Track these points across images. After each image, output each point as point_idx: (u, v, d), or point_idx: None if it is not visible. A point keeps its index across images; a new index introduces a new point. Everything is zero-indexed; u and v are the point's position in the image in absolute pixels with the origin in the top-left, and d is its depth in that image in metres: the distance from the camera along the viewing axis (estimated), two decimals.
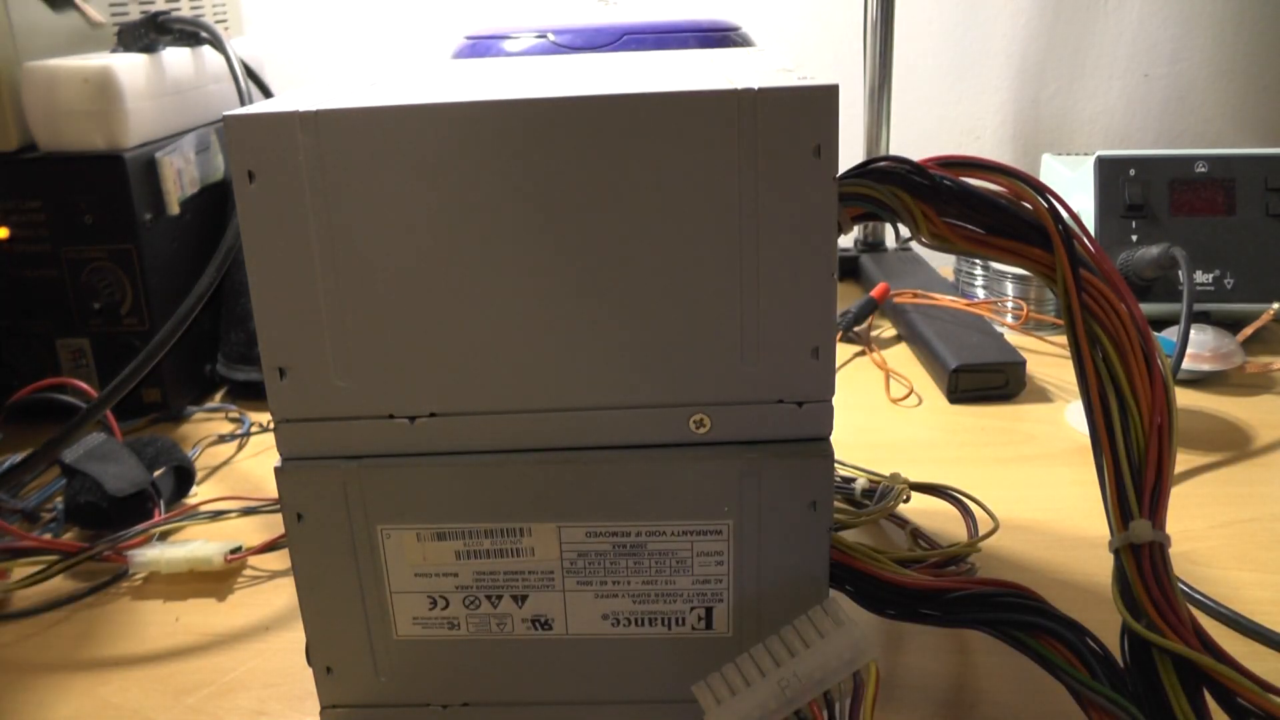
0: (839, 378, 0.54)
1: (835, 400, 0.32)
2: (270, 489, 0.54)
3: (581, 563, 0.34)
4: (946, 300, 0.72)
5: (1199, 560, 0.45)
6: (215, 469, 0.59)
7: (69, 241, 0.60)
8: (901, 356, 0.71)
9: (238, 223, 0.31)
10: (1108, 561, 0.33)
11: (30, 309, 0.62)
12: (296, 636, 0.42)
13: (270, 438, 0.61)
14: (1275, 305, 0.67)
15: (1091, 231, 0.59)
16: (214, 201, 0.68)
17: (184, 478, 0.55)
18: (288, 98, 0.32)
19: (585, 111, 0.29)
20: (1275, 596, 0.42)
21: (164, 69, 0.64)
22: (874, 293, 0.76)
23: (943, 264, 0.85)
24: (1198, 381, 0.64)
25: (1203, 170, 0.69)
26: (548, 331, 0.31)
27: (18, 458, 0.50)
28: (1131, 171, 0.70)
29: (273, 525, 0.52)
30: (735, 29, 0.72)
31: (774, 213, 0.30)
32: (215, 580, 0.47)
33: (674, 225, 0.30)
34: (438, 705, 0.36)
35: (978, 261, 0.78)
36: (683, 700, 0.33)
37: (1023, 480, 0.53)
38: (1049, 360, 0.69)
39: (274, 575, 0.48)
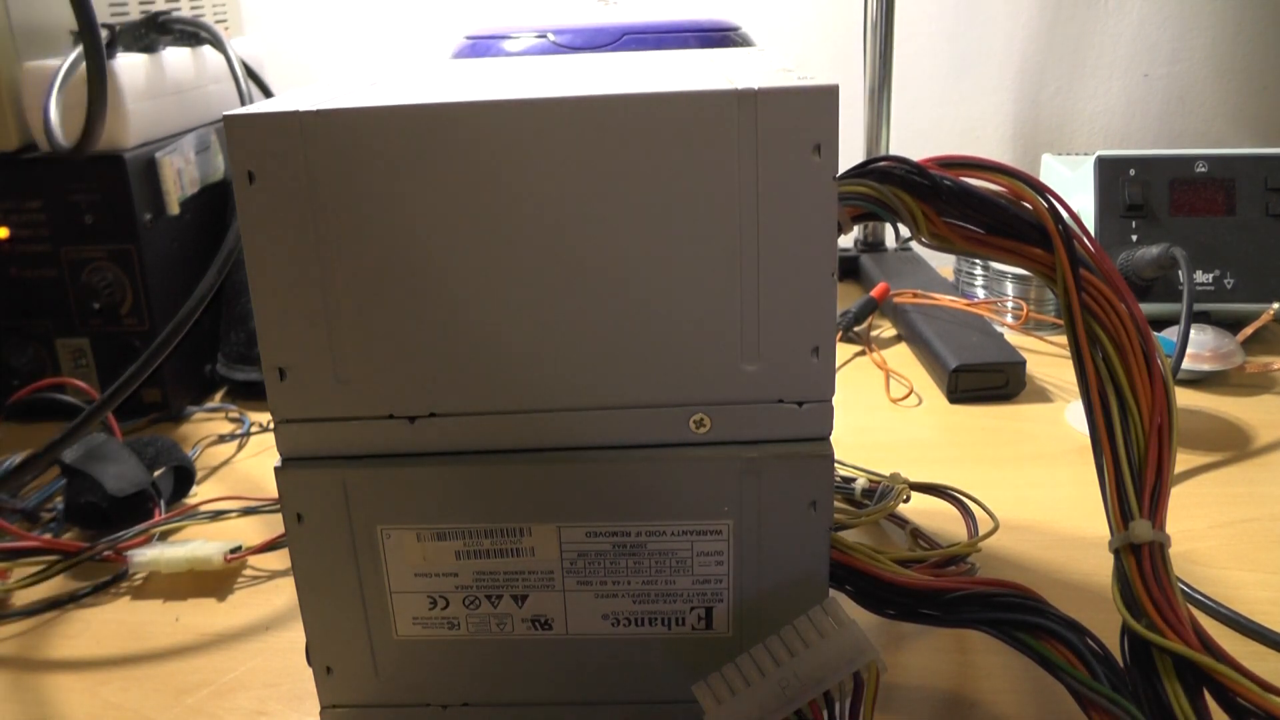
0: (839, 378, 0.54)
1: (835, 400, 0.32)
2: (270, 489, 0.54)
3: (581, 563, 0.34)
4: (946, 300, 0.72)
5: (1199, 560, 0.45)
6: (215, 469, 0.59)
7: (69, 241, 0.60)
8: (901, 356, 0.71)
9: (238, 224, 0.31)
10: (1108, 561, 0.33)
11: (30, 309, 0.62)
12: (296, 636, 0.42)
13: (270, 438, 0.61)
14: (1275, 305, 0.67)
15: (1091, 231, 0.59)
16: (214, 201, 0.68)
17: (184, 478, 0.55)
18: (288, 98, 0.32)
19: (585, 111, 0.29)
20: (1275, 596, 0.42)
21: (164, 69, 0.64)
22: (874, 293, 0.76)
23: (943, 264, 0.85)
24: (1198, 381, 0.64)
25: (1203, 170, 0.69)
26: (547, 331, 0.31)
27: (18, 458, 0.50)
28: (1131, 171, 0.69)
29: (273, 525, 0.52)
30: (735, 29, 0.72)
31: (774, 212, 0.30)
32: (215, 580, 0.47)
33: (674, 225, 0.30)
34: (438, 705, 0.36)
35: (978, 261, 0.78)
36: (683, 700, 0.33)
37: (1023, 480, 0.53)
38: (1049, 360, 0.69)
39: (274, 575, 0.48)
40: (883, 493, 0.46)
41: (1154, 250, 0.66)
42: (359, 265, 0.31)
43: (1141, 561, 0.32)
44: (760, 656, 0.32)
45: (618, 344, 0.31)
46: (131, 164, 0.59)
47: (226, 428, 0.64)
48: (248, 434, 0.63)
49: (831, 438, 0.33)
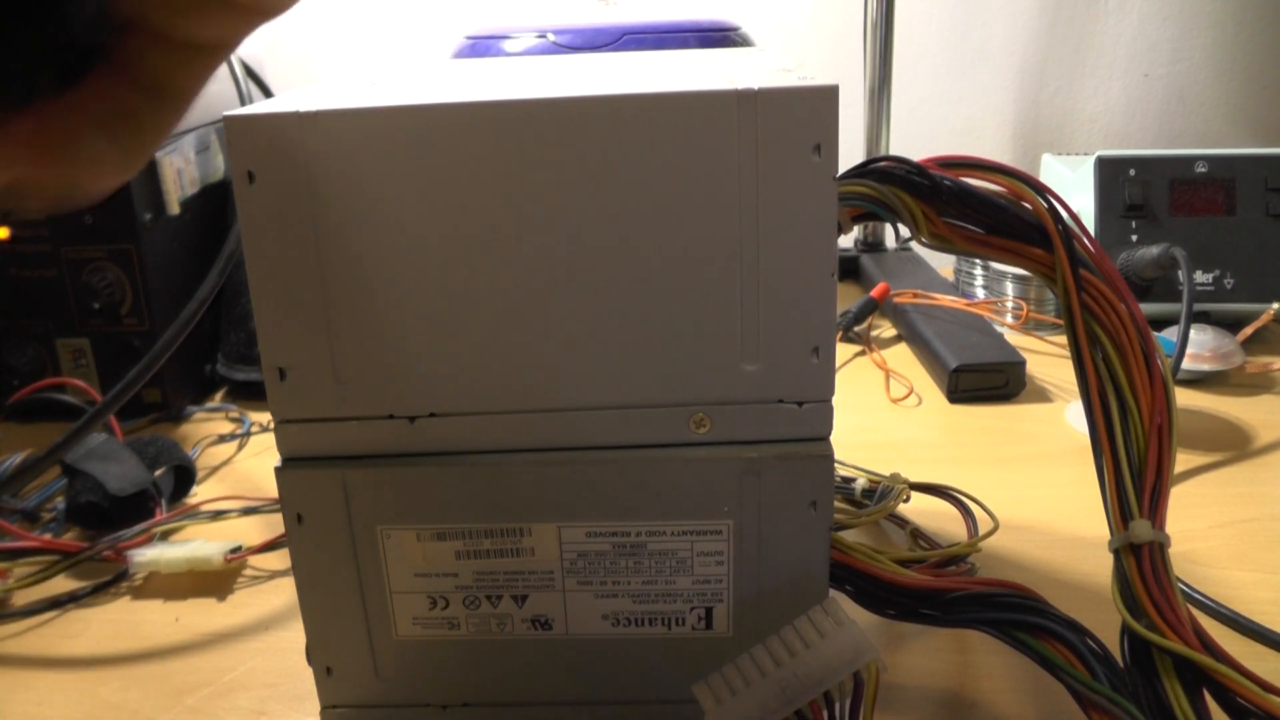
0: (839, 378, 0.54)
1: (835, 400, 0.32)
2: (270, 489, 0.54)
3: (581, 563, 0.34)
4: (946, 300, 0.72)
5: (1199, 560, 0.45)
6: (215, 469, 0.59)
7: (69, 241, 0.60)
8: (901, 356, 0.71)
9: (239, 225, 0.31)
10: (1108, 561, 0.33)
11: (30, 309, 0.62)
12: (296, 636, 0.42)
13: (270, 438, 0.61)
14: (1275, 305, 0.67)
15: (1091, 231, 0.59)
16: (214, 201, 0.68)
17: (184, 477, 0.55)
18: (288, 98, 0.32)
19: (585, 111, 0.29)
20: (1275, 596, 0.42)
21: None
22: (874, 293, 0.76)
23: (943, 264, 0.85)
24: (1198, 381, 0.64)
25: (1203, 170, 0.69)
26: (547, 331, 0.31)
27: (18, 458, 0.50)
28: (1131, 171, 0.69)
29: (273, 525, 0.52)
30: (735, 29, 0.72)
31: (774, 213, 0.30)
32: (215, 580, 0.47)
33: (674, 225, 0.30)
34: (438, 705, 0.36)
35: (978, 261, 0.78)
36: (683, 700, 0.33)
37: (1023, 480, 0.53)
38: (1049, 360, 0.69)
39: (274, 575, 0.48)
40: (883, 493, 0.46)
41: (1154, 250, 0.66)
42: (359, 265, 0.31)
43: (1141, 561, 0.32)
44: (760, 656, 0.32)
45: (618, 344, 0.31)
46: None
47: (227, 428, 0.64)
48: (248, 434, 0.63)
49: (831, 438, 0.33)
